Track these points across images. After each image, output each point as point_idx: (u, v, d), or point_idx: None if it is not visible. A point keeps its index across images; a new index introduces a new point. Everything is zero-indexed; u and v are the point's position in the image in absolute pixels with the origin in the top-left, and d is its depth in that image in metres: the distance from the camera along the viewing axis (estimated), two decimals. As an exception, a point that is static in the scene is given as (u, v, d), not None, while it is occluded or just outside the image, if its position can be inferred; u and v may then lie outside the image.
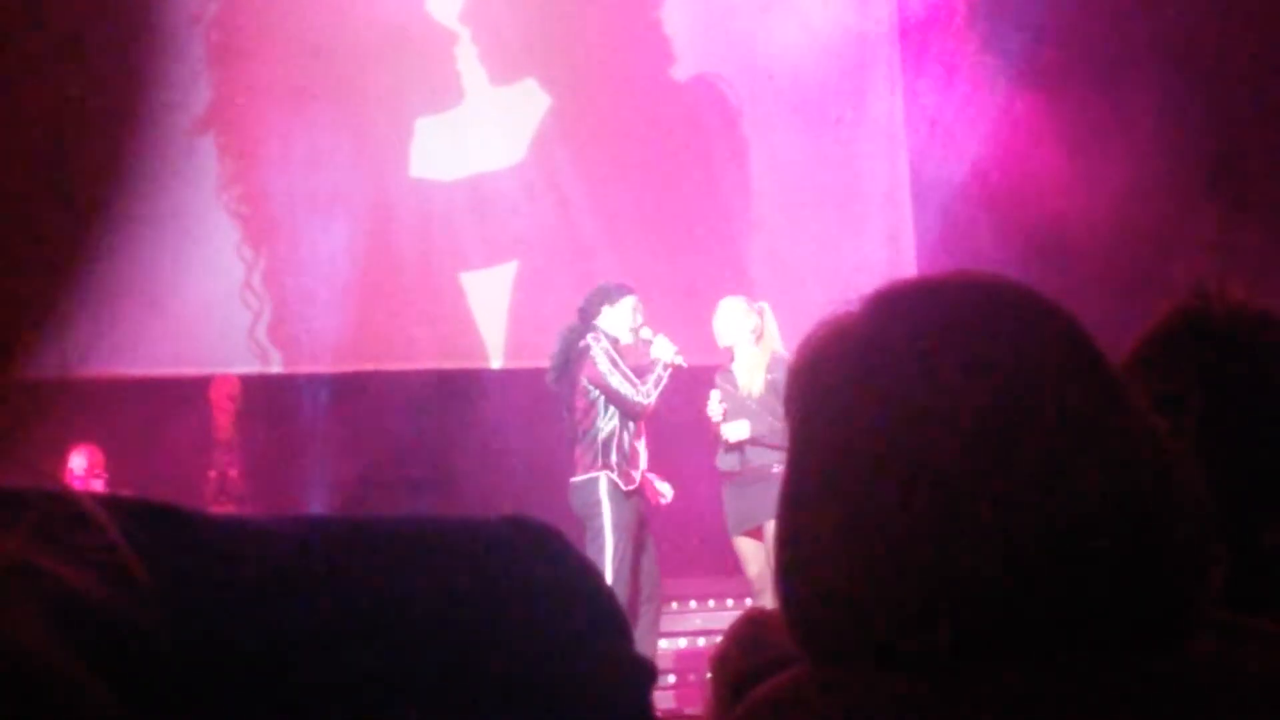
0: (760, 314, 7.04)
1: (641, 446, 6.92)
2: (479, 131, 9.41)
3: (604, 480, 6.78)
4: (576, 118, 9.50)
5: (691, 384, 7.05)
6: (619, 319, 6.96)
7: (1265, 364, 1.58)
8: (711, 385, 6.97)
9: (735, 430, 6.83)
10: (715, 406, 6.87)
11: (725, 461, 6.93)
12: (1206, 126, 8.26)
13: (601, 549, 6.59)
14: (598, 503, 6.75)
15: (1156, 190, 8.38)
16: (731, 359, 7.02)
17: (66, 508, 0.52)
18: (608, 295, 7.01)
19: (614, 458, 6.80)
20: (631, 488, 6.80)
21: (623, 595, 6.53)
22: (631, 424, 6.87)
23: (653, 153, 9.51)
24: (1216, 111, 8.28)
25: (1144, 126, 8.35)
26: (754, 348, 6.96)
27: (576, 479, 6.86)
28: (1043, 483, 1.00)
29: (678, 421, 7.07)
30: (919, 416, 1.03)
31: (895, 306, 1.10)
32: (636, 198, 9.42)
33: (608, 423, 6.84)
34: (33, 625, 0.46)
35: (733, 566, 7.18)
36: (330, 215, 9.11)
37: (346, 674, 0.54)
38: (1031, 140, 8.99)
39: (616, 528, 6.69)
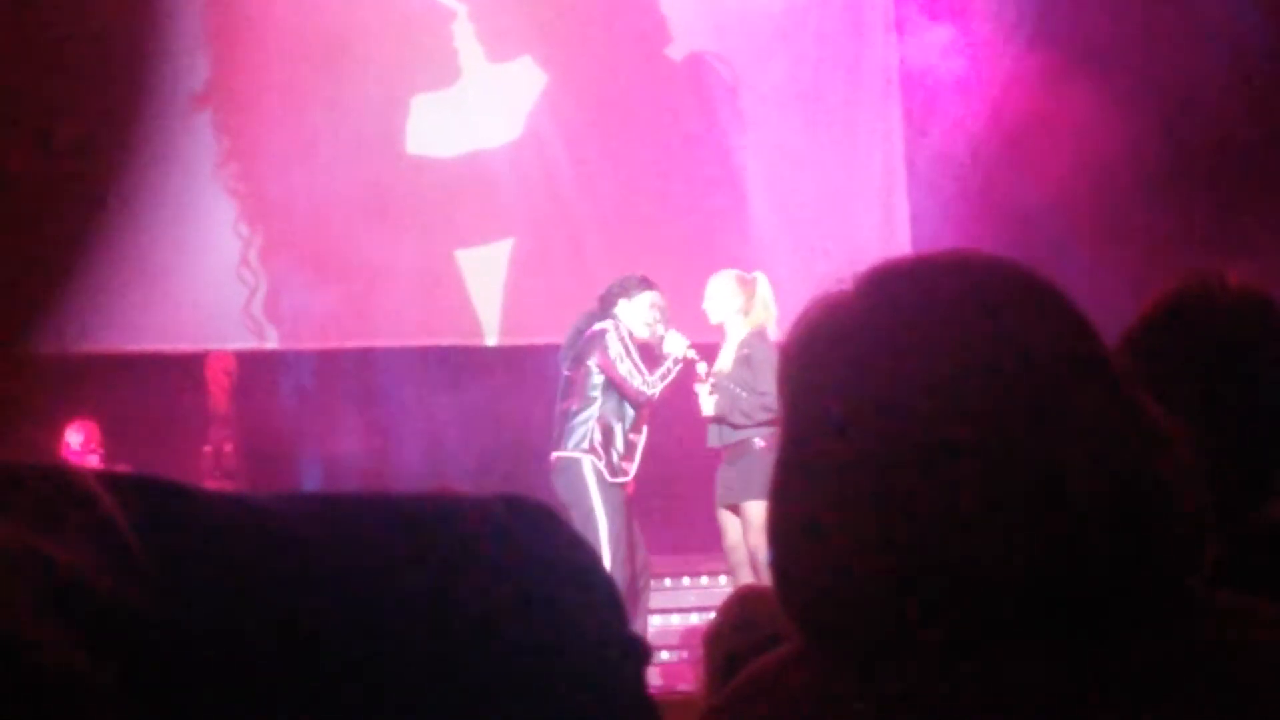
0: (750, 286, 7.03)
1: (640, 440, 6.93)
2: (475, 109, 9.39)
3: (588, 463, 6.77)
4: (573, 96, 9.48)
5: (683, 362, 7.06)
6: (634, 314, 6.97)
7: (1260, 347, 1.58)
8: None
9: (705, 406, 6.92)
10: (702, 385, 6.92)
11: (710, 438, 6.98)
12: (1216, 101, 8.22)
13: (596, 532, 6.56)
14: (585, 486, 6.73)
15: (1158, 166, 8.36)
16: (725, 336, 7.03)
17: (64, 485, 0.52)
18: (626, 289, 7.01)
19: (601, 442, 6.79)
20: (620, 480, 6.80)
21: (621, 577, 6.53)
22: (631, 415, 6.87)
23: (648, 130, 9.49)
24: (1225, 86, 8.24)
25: (1148, 103, 8.32)
26: (741, 321, 6.97)
27: (560, 454, 6.84)
28: (1036, 466, 1.00)
29: (670, 397, 7.07)
30: (912, 398, 1.03)
31: (889, 286, 1.10)
32: (632, 175, 9.41)
33: (605, 410, 6.83)
34: (28, 608, 0.46)
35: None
36: (326, 192, 9.09)
37: (344, 651, 0.55)
38: (1029, 115, 8.97)
39: (608, 509, 6.68)
